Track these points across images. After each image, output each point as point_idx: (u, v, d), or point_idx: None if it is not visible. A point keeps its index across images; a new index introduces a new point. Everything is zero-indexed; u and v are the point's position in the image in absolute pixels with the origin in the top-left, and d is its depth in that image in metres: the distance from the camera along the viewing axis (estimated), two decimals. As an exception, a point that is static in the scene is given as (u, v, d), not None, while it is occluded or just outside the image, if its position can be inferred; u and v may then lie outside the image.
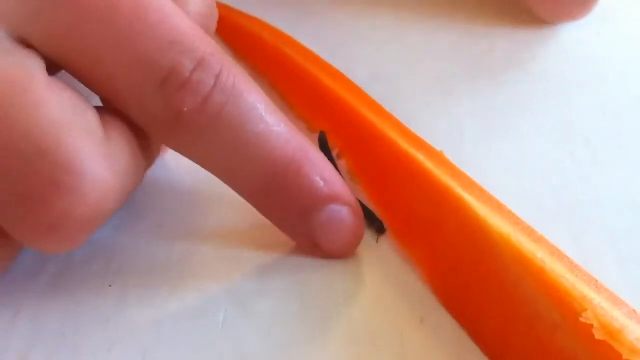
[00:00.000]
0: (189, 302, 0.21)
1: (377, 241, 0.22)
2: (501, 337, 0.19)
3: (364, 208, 0.22)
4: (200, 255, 0.22)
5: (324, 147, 0.25)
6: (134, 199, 0.23)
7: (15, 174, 0.17)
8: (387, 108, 0.26)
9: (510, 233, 0.19)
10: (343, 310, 0.20)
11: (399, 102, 0.26)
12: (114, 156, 0.18)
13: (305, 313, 0.20)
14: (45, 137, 0.17)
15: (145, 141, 0.20)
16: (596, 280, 0.18)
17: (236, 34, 0.31)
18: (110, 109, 0.19)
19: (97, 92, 0.19)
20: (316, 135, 0.25)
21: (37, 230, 0.18)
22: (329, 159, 0.22)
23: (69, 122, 0.17)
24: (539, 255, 0.18)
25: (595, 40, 0.31)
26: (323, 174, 0.21)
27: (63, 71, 0.19)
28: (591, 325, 0.16)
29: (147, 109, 0.19)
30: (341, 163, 0.25)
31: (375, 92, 0.27)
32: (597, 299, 0.17)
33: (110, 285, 0.21)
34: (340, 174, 0.22)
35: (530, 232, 0.19)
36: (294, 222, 0.21)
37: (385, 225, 0.23)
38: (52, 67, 0.18)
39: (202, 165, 0.20)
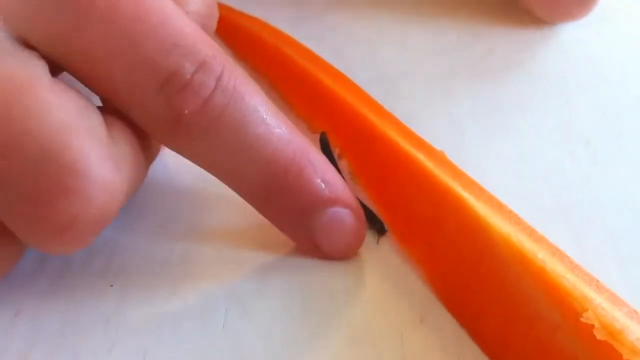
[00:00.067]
0: (189, 303, 0.21)
1: (377, 242, 0.22)
2: (501, 337, 0.19)
3: (365, 209, 0.22)
4: (201, 255, 0.22)
5: (326, 148, 0.25)
6: (134, 199, 0.23)
7: (23, 176, 0.17)
8: (388, 108, 0.26)
9: (511, 233, 0.19)
10: (343, 311, 0.20)
11: (399, 102, 0.26)
12: (118, 157, 0.18)
13: (305, 313, 0.20)
14: (51, 140, 0.17)
15: (146, 141, 0.20)
16: (597, 281, 0.18)
17: (236, 34, 0.31)
18: (111, 109, 0.19)
19: (97, 93, 0.19)
20: (316, 136, 0.25)
21: (45, 232, 0.18)
22: (330, 160, 0.22)
23: (75, 125, 0.17)
24: (540, 255, 0.18)
25: (595, 40, 0.31)
26: (324, 176, 0.21)
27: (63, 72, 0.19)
28: (592, 326, 0.16)
29: (149, 110, 0.19)
30: (342, 164, 0.25)
31: (375, 92, 0.27)
32: (598, 300, 0.17)
33: (111, 286, 0.21)
34: (341, 175, 0.22)
35: (530, 232, 0.19)
36: (295, 224, 0.21)
37: (386, 226, 0.23)
38: (54, 68, 0.18)
39: (203, 167, 0.20)
